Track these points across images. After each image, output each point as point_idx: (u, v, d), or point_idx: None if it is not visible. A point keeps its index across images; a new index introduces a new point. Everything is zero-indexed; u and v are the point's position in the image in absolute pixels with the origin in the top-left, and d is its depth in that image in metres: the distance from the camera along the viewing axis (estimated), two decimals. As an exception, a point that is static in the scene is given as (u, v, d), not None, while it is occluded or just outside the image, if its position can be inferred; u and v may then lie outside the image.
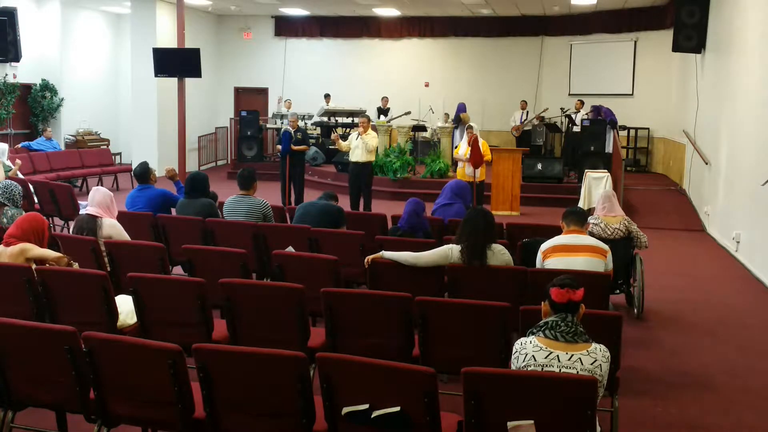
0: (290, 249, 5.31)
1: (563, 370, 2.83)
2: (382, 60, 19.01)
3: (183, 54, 13.76)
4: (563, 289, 2.95)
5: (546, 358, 2.86)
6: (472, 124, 11.25)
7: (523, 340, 2.98)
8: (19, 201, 5.92)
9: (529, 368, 2.86)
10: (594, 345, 2.92)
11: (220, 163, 18.74)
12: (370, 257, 4.86)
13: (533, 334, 2.96)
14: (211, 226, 6.28)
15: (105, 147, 16.37)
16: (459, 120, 14.71)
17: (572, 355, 2.86)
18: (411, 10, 17.56)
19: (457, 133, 14.65)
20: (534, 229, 6.50)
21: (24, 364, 3.34)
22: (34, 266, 4.42)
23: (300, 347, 3.94)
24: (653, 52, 16.30)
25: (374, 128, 14.06)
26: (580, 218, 5.18)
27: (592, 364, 2.86)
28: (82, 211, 5.95)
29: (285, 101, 17.17)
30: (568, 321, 2.93)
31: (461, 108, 15.10)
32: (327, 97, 16.86)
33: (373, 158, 11.02)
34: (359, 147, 10.61)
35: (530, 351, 2.90)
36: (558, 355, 2.86)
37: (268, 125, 17.56)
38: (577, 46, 17.60)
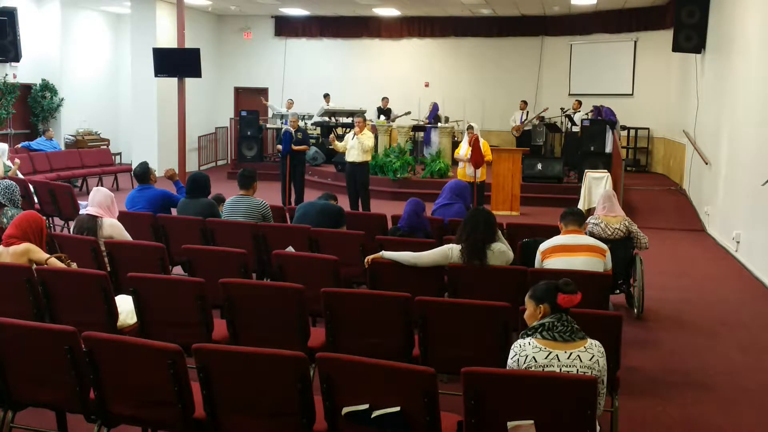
0: (290, 249, 5.31)
1: (563, 369, 2.87)
2: (382, 60, 19.01)
3: (183, 54, 13.75)
4: (574, 295, 2.99)
5: (546, 358, 2.90)
6: (472, 124, 11.25)
7: (520, 342, 3.00)
8: (18, 201, 5.92)
9: (531, 369, 2.89)
10: (589, 341, 2.96)
11: (220, 163, 18.74)
12: (370, 257, 4.86)
13: (529, 335, 2.99)
14: (211, 226, 6.28)
15: (105, 147, 16.37)
16: (438, 119, 15.13)
17: (571, 353, 2.91)
18: (411, 10, 17.55)
19: (435, 133, 14.98)
20: (534, 229, 6.50)
21: (24, 364, 3.34)
22: (34, 266, 4.41)
23: (300, 347, 3.94)
24: (653, 52, 16.30)
25: (374, 128, 14.13)
26: (578, 218, 5.18)
27: (590, 359, 2.91)
28: (82, 211, 5.95)
29: (287, 100, 17.16)
30: (564, 321, 2.97)
31: (437, 108, 15.46)
32: (327, 96, 16.87)
33: (369, 158, 11.03)
34: (355, 147, 10.63)
35: (530, 353, 2.93)
36: (557, 355, 2.91)
37: (268, 125, 17.56)
38: (577, 46, 17.60)
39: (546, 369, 2.88)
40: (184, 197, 6.81)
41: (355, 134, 10.66)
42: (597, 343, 2.98)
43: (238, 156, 17.00)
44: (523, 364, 2.91)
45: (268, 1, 16.77)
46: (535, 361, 2.90)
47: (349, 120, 16.56)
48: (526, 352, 2.93)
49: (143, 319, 4.28)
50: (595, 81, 17.10)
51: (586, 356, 2.91)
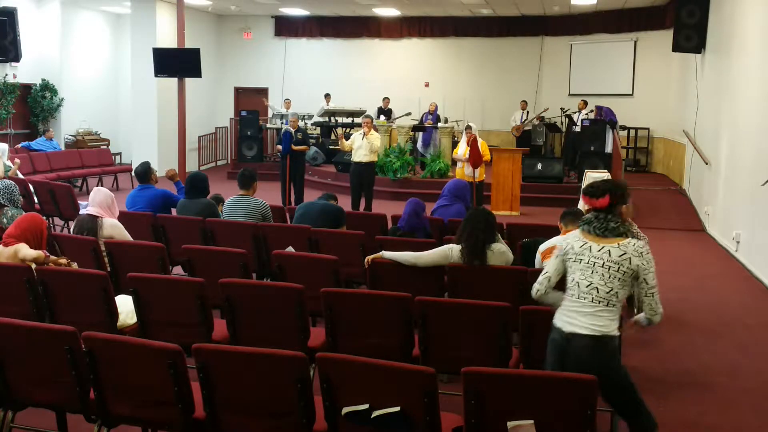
0: (290, 249, 5.31)
1: (591, 260, 3.27)
2: (382, 60, 19.00)
3: (183, 54, 13.76)
4: (592, 197, 3.35)
5: (581, 247, 3.32)
6: (471, 124, 11.25)
7: (571, 233, 3.46)
8: (18, 201, 5.92)
9: (568, 255, 3.35)
10: (628, 239, 3.29)
11: (220, 163, 18.74)
12: (370, 257, 4.86)
13: (580, 227, 3.40)
14: (211, 226, 6.28)
15: (105, 147, 16.37)
16: (438, 120, 15.32)
17: (602, 247, 3.27)
18: (411, 10, 17.55)
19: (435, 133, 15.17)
20: (534, 229, 6.50)
21: (24, 364, 3.34)
22: (34, 266, 4.41)
23: (300, 347, 3.94)
24: (653, 52, 16.30)
25: (374, 128, 14.12)
26: (577, 218, 5.17)
27: (620, 256, 3.24)
28: (82, 211, 5.95)
29: (285, 100, 17.16)
30: (600, 218, 3.32)
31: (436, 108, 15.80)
32: (327, 96, 16.86)
33: (376, 158, 11.05)
34: (363, 147, 10.63)
35: (571, 241, 3.37)
36: (590, 246, 3.29)
37: (268, 125, 17.56)
38: (577, 46, 17.60)
39: (579, 257, 3.30)
40: (183, 197, 6.81)
41: (364, 134, 10.66)
42: (637, 242, 3.28)
43: (238, 156, 17.00)
44: (564, 248, 3.37)
45: (268, 1, 16.77)
46: (573, 249, 3.34)
47: (348, 120, 16.56)
48: (568, 240, 3.38)
49: (143, 319, 4.28)
50: (595, 81, 17.09)
51: (616, 252, 3.24)
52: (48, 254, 4.54)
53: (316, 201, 6.68)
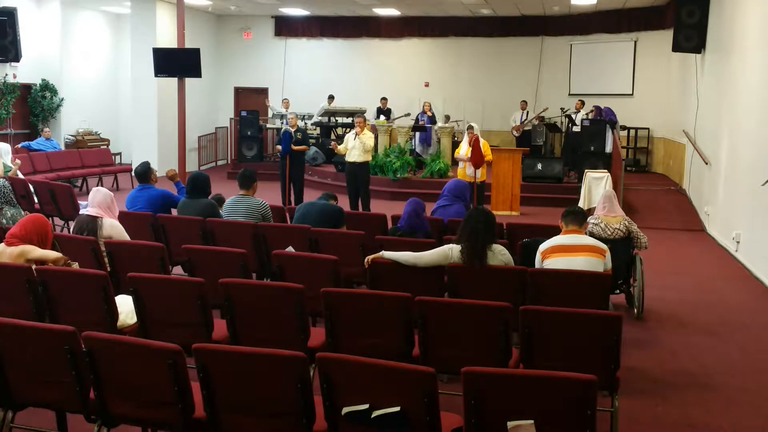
0: (290, 249, 5.31)
1: None
2: (382, 60, 19.00)
3: (183, 54, 13.76)
4: None
5: None
6: (472, 124, 11.25)
7: None
8: (14, 199, 5.92)
9: None
10: None
11: (220, 163, 18.74)
12: (370, 257, 4.85)
13: None
14: (211, 226, 6.28)
15: (105, 147, 16.37)
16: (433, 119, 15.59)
17: None
18: (411, 10, 17.55)
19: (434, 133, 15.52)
20: (534, 229, 6.49)
21: (24, 364, 3.34)
22: (34, 266, 4.41)
23: (300, 347, 3.94)
24: (653, 52, 16.30)
25: (374, 128, 14.14)
26: (578, 218, 5.18)
27: None
28: (82, 212, 5.95)
29: (283, 100, 17.16)
30: None
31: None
32: (331, 98, 16.85)
33: (369, 158, 11.05)
34: (356, 147, 10.64)
35: None
36: None
37: (268, 125, 17.57)
38: (577, 46, 17.60)
39: None
40: (184, 197, 6.81)
41: (356, 134, 10.67)
42: None
43: (238, 156, 17.00)
44: None
45: (268, 1, 16.77)
46: None
47: (349, 120, 16.57)
48: None
49: (143, 319, 4.28)
50: (595, 81, 17.09)
51: None
52: (67, 258, 4.57)
53: (316, 201, 6.68)
